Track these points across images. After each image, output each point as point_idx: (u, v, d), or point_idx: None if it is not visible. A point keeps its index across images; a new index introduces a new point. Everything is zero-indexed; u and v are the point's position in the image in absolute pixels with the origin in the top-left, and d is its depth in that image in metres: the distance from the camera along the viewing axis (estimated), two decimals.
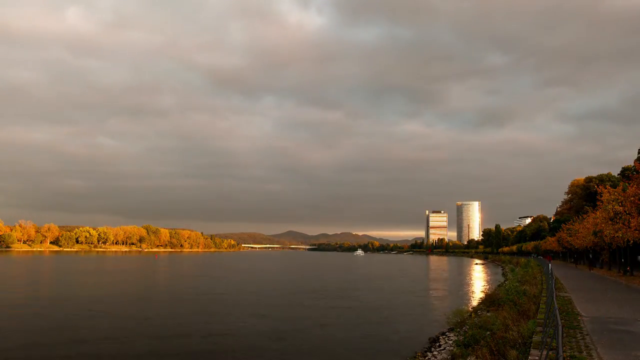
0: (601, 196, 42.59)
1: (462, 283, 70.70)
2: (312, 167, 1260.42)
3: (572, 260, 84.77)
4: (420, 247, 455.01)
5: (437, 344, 21.72)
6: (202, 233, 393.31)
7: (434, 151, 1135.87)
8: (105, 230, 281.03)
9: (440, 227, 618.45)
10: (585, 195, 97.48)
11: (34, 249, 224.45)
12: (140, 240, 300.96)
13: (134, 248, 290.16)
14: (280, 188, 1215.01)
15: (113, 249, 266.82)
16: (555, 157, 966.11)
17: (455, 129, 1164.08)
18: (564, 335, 12.51)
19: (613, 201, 39.36)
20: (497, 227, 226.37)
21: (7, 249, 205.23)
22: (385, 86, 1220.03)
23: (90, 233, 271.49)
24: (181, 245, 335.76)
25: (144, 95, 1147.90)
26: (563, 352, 7.38)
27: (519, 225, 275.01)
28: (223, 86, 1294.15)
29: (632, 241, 37.88)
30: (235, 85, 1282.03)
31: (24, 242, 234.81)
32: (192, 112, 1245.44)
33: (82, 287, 51.19)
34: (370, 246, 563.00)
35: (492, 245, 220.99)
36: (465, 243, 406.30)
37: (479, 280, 76.02)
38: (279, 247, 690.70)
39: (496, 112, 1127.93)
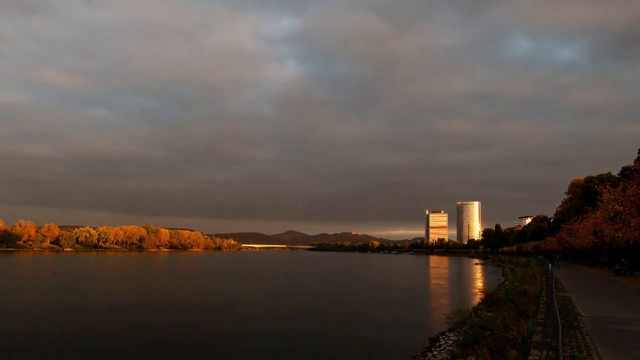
0: (601, 196, 42.60)
1: (462, 283, 70.69)
2: (326, 144, 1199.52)
3: (571, 260, 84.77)
4: (420, 247, 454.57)
5: (437, 344, 21.73)
6: (202, 233, 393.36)
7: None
8: (105, 230, 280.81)
9: (440, 227, 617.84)
10: (585, 195, 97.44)
11: (36, 249, 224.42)
12: (140, 240, 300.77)
13: (133, 248, 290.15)
14: (284, 177, 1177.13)
15: (113, 249, 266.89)
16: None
17: None
18: (564, 335, 12.51)
19: (613, 201, 39.40)
20: (497, 227, 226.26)
21: (8, 249, 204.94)
22: None
23: (90, 233, 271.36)
24: (181, 245, 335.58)
25: None
26: (563, 351, 7.38)
27: (519, 225, 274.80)
28: None
29: (632, 241, 37.87)
30: None
31: (24, 242, 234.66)
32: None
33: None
34: (371, 246, 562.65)
35: (492, 245, 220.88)
36: (466, 243, 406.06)
37: (479, 280, 75.99)
38: (283, 247, 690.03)
39: None
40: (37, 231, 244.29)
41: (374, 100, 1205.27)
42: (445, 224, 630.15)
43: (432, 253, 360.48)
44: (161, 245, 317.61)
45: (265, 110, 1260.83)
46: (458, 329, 23.07)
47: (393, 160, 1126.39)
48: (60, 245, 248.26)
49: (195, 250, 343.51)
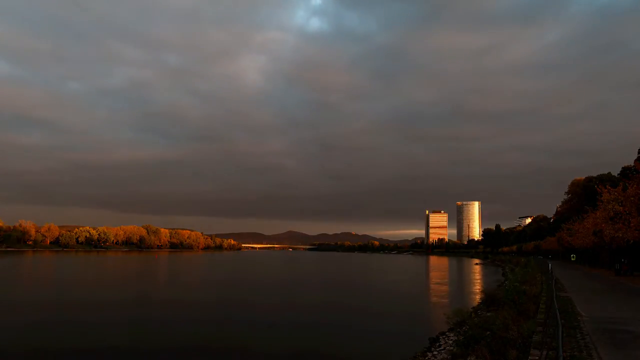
0: (601, 196, 42.62)
1: (462, 283, 70.70)
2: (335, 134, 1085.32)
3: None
4: (420, 247, 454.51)
5: (437, 344, 21.72)
6: (202, 233, 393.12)
7: None
8: (106, 230, 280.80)
9: (440, 227, 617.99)
10: (585, 195, 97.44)
11: (36, 249, 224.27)
12: (141, 240, 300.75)
13: (134, 248, 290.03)
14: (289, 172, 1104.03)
15: (113, 249, 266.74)
16: None
17: None
18: (564, 334, 12.51)
19: (613, 201, 39.41)
20: (497, 227, 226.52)
21: (8, 249, 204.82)
22: None
23: (90, 233, 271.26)
24: (181, 245, 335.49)
25: None
26: (563, 351, 7.40)
27: (519, 225, 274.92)
28: None
29: (632, 241, 37.87)
30: None
31: (24, 242, 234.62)
32: None
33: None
34: (370, 246, 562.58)
35: (492, 245, 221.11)
36: (466, 243, 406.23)
37: (479, 280, 75.98)
38: (285, 247, 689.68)
39: None
40: (37, 231, 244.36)
41: (405, 69, 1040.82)
42: (445, 224, 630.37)
43: (432, 253, 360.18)
44: (161, 245, 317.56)
45: (271, 87, 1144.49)
46: (458, 329, 23.06)
47: (407, 152, 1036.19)
48: (60, 245, 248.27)
49: (195, 250, 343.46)
